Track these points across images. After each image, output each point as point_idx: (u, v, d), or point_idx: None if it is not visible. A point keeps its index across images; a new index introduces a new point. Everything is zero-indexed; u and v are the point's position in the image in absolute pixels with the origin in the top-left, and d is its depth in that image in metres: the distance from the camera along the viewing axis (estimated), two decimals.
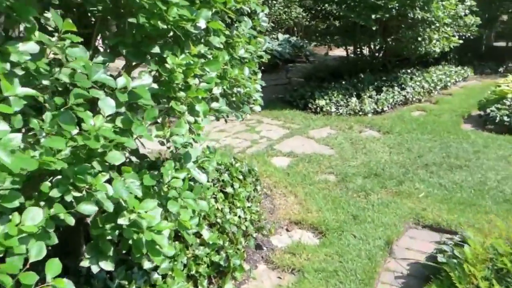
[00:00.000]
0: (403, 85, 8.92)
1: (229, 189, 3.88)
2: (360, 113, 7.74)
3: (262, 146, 6.24)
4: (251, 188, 4.11)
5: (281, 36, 15.29)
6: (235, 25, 3.07)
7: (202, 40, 2.50)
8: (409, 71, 10.14)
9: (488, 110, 6.85)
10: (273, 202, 4.40)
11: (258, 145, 6.30)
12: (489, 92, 7.56)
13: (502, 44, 14.44)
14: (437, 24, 8.30)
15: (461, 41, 9.71)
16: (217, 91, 2.44)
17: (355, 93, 8.49)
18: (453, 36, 9.32)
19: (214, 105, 2.49)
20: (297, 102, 8.58)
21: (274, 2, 14.64)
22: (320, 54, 15.60)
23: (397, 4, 7.39)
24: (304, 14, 10.81)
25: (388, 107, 8.07)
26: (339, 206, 4.15)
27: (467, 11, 9.62)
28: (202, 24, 2.16)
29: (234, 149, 6.09)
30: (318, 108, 8.00)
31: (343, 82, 9.04)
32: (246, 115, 3.30)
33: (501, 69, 11.76)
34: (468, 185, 4.58)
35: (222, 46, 2.63)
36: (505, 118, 6.51)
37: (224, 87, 2.74)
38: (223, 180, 4.00)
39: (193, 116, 2.24)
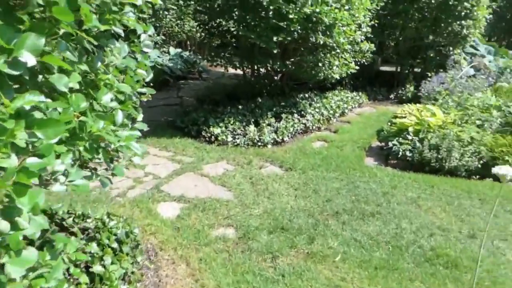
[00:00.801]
0: (302, 112, 8.58)
1: (97, 268, 2.90)
2: (259, 143, 7.15)
3: (147, 186, 5.29)
4: (129, 263, 3.16)
5: (172, 50, 14.40)
6: (106, 50, 2.17)
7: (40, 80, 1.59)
8: (307, 95, 9.91)
9: (390, 144, 6.69)
10: (159, 273, 3.50)
11: (143, 185, 5.34)
12: (389, 124, 7.48)
13: (387, 68, 15.21)
14: (338, 50, 8.11)
15: (357, 67, 9.73)
16: (61, 166, 1.52)
17: (253, 119, 7.92)
18: (351, 62, 9.26)
19: (58, 187, 1.57)
20: (189, 128, 7.75)
21: (166, 13, 13.71)
22: (214, 71, 15.00)
23: (299, 27, 6.99)
24: (198, 28, 10.00)
25: (288, 136, 7.61)
26: (242, 278, 3.38)
27: (362, 37, 9.67)
28: (28, 58, 1.28)
29: (112, 191, 5.06)
30: (213, 136, 7.25)
31: (240, 107, 8.44)
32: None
33: (392, 96, 12.18)
34: (385, 239, 4.13)
35: (77, 87, 1.73)
36: (408, 153, 6.37)
37: (81, 148, 1.84)
38: (90, 253, 3.02)
39: (12, 216, 1.32)
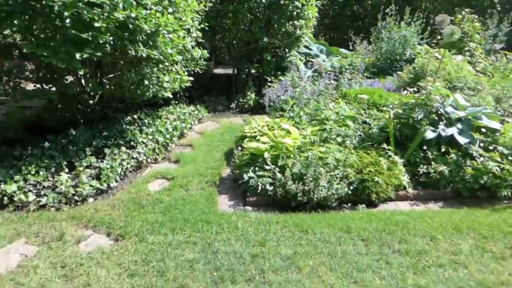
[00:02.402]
0: (132, 142, 6.95)
1: None
2: (76, 198, 5.35)
3: None
4: None
5: None
6: None
7: None
8: (135, 117, 8.29)
9: (246, 176, 5.53)
10: None
11: None
12: (240, 149, 6.31)
13: (222, 71, 14.47)
14: (167, 63, 6.67)
15: (191, 78, 8.43)
16: None
17: (65, 162, 6.02)
18: (184, 74, 7.93)
19: None
20: None
21: None
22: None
23: (111, 38, 5.35)
24: None
25: (116, 179, 5.95)
26: None
27: (193, 43, 8.44)
28: None
29: None
30: (6, 198, 5.20)
31: (46, 145, 6.40)
32: None
33: (233, 105, 11.18)
34: None
35: None
36: (268, 187, 5.30)
37: None
38: None
39: None
